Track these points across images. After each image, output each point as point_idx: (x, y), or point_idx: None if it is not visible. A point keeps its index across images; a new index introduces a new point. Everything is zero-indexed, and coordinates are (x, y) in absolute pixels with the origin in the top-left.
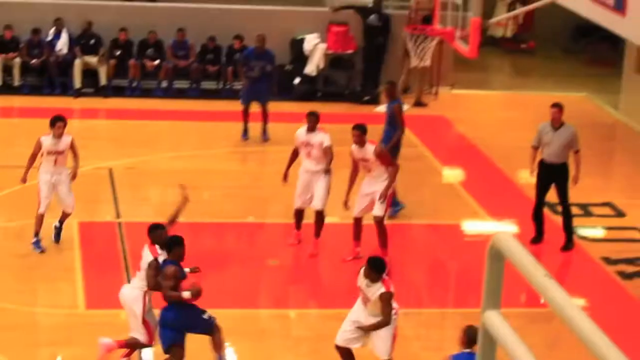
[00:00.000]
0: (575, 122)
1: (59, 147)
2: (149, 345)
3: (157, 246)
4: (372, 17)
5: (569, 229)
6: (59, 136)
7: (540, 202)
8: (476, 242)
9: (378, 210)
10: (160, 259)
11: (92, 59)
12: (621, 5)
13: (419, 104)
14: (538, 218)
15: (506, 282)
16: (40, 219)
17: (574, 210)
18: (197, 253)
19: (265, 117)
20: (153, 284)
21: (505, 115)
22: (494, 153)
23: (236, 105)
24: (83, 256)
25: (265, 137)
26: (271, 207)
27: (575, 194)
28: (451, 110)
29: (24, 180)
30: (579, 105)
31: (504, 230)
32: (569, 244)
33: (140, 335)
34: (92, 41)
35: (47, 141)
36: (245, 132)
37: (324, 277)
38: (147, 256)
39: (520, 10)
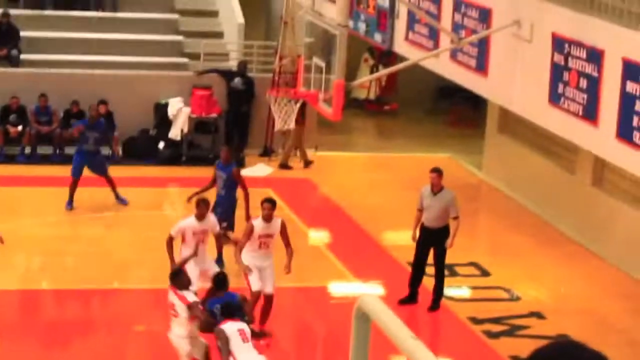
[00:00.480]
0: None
1: None
2: None
3: (183, 292)
4: (236, 81)
5: (439, 291)
6: None
7: (419, 265)
8: (343, 304)
9: (272, 287)
10: (190, 299)
11: None
12: (483, 66)
13: (284, 166)
14: (415, 281)
15: (373, 343)
16: None
17: None
18: (62, 321)
19: (111, 183)
20: (205, 326)
21: (369, 177)
22: (359, 214)
23: None
24: None
25: (122, 201)
26: (136, 272)
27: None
28: (316, 172)
29: None
30: (443, 166)
31: (369, 292)
32: (435, 305)
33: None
34: None
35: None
36: (71, 202)
37: None
38: (179, 304)
39: (383, 72)
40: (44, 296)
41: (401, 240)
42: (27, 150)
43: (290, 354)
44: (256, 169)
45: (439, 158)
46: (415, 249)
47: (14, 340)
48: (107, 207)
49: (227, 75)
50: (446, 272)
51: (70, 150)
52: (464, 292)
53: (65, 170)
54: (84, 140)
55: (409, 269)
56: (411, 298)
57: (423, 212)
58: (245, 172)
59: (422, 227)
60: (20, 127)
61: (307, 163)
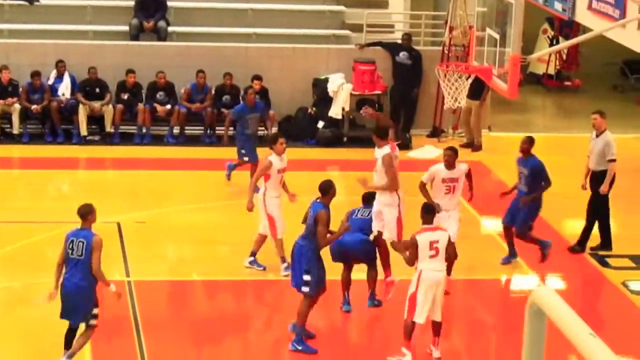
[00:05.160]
0: (626, 165)
1: (285, 165)
2: None
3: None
4: (402, 55)
5: (585, 234)
6: (283, 152)
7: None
8: (517, 298)
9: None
10: None
11: (97, 104)
12: None
13: (471, 145)
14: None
15: (549, 341)
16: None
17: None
18: (215, 313)
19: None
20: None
21: (548, 160)
22: None
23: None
24: None
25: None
26: None
27: (627, 246)
28: (489, 154)
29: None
30: (631, 148)
31: (544, 286)
32: (575, 248)
33: None
34: (97, 89)
35: (276, 160)
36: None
37: (355, 338)
38: None
39: (564, 44)
40: (194, 287)
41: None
42: (176, 130)
43: (460, 350)
44: (424, 151)
45: (626, 139)
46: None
47: (163, 333)
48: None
49: (392, 48)
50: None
51: (221, 130)
52: None
53: (216, 152)
54: (245, 125)
55: (591, 260)
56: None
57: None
58: (412, 154)
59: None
60: (168, 106)
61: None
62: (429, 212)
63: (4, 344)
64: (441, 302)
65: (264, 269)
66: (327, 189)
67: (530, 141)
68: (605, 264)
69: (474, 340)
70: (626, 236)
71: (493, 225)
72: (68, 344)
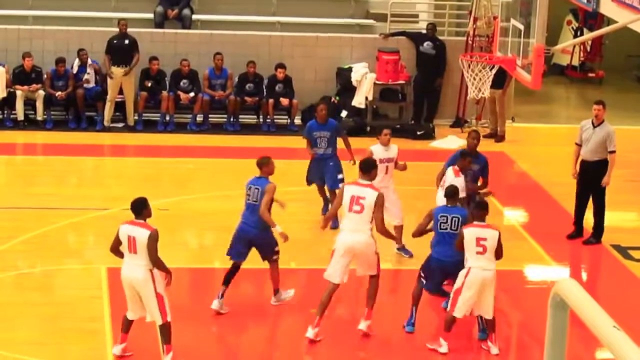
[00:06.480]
0: None
1: (390, 155)
2: None
3: None
4: (426, 45)
5: (598, 227)
6: (387, 142)
7: (580, 200)
8: (541, 289)
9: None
10: None
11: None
12: None
13: (494, 136)
14: (579, 218)
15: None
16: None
17: None
18: (235, 301)
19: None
20: None
21: (571, 151)
22: (560, 192)
23: (276, 141)
24: (112, 304)
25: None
26: (316, 252)
27: None
28: (512, 145)
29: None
30: None
31: (568, 277)
32: (591, 239)
33: None
34: (127, 41)
35: (378, 149)
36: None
37: (380, 331)
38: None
39: (588, 36)
40: (216, 275)
41: (606, 221)
42: (199, 118)
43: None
44: (447, 141)
45: None
46: (577, 185)
47: (185, 321)
48: (286, 182)
49: (416, 38)
50: None
51: (244, 118)
52: None
53: (239, 140)
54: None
55: (614, 252)
56: (577, 234)
57: (582, 146)
58: (435, 144)
59: (581, 162)
60: (192, 94)
61: (498, 137)
62: (481, 208)
63: (21, 329)
64: (492, 300)
65: (411, 256)
66: (455, 191)
67: (479, 136)
68: (627, 257)
69: (497, 332)
70: None
71: (516, 216)
72: (227, 281)
